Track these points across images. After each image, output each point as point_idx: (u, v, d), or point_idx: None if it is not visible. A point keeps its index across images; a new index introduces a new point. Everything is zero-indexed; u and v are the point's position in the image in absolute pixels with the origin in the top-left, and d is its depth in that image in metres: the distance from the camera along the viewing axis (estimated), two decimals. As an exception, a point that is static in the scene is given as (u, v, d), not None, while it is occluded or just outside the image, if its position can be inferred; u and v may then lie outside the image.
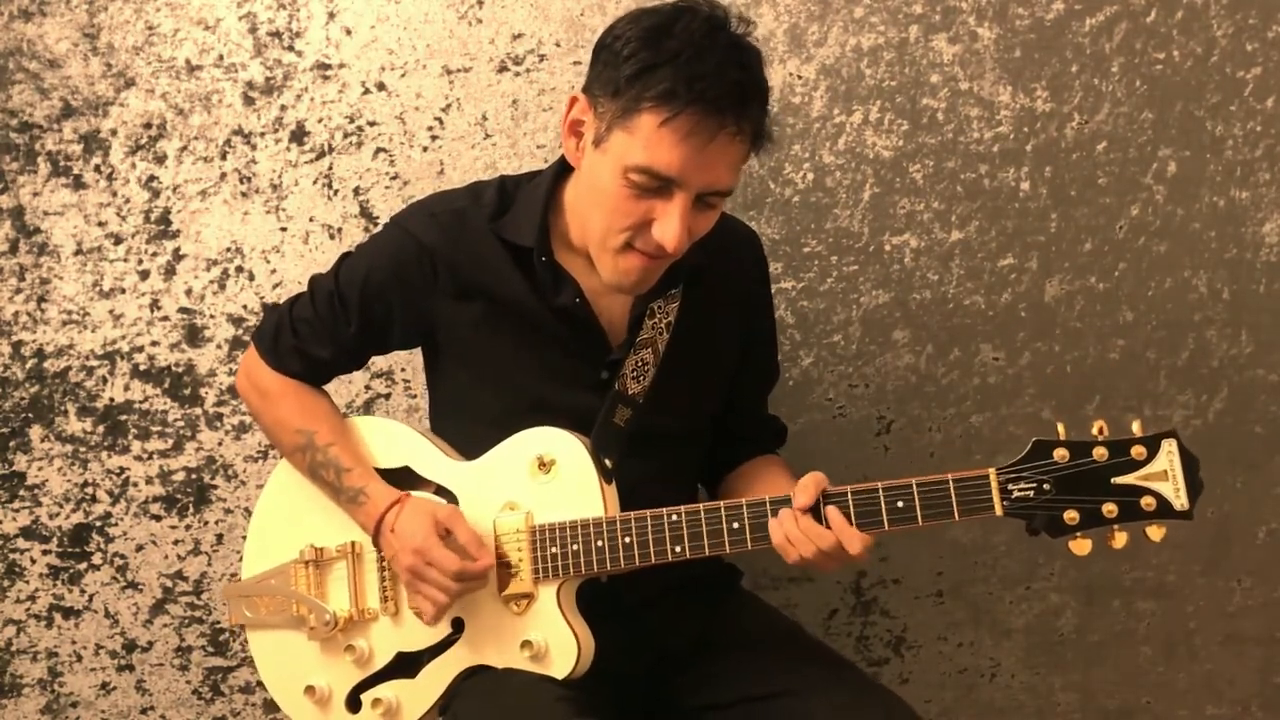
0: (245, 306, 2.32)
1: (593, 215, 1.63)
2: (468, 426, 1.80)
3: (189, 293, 2.33)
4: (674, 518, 1.62)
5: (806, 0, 2.26)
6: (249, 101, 2.31)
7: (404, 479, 1.77)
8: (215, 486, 2.34)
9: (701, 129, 1.53)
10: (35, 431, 2.34)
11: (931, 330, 2.29)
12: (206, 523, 2.35)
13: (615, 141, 1.56)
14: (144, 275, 2.33)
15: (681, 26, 1.54)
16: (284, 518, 1.86)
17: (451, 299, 1.77)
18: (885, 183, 2.27)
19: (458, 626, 1.72)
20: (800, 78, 2.26)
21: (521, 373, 1.77)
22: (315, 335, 1.83)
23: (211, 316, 2.32)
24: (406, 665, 1.75)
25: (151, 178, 2.32)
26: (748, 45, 1.59)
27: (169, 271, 2.32)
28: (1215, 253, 2.26)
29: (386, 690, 1.75)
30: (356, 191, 2.31)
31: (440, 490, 1.76)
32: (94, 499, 2.34)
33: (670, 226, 1.57)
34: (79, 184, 2.32)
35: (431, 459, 1.78)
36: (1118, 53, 2.24)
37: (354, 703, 1.77)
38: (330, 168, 2.30)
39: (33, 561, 2.35)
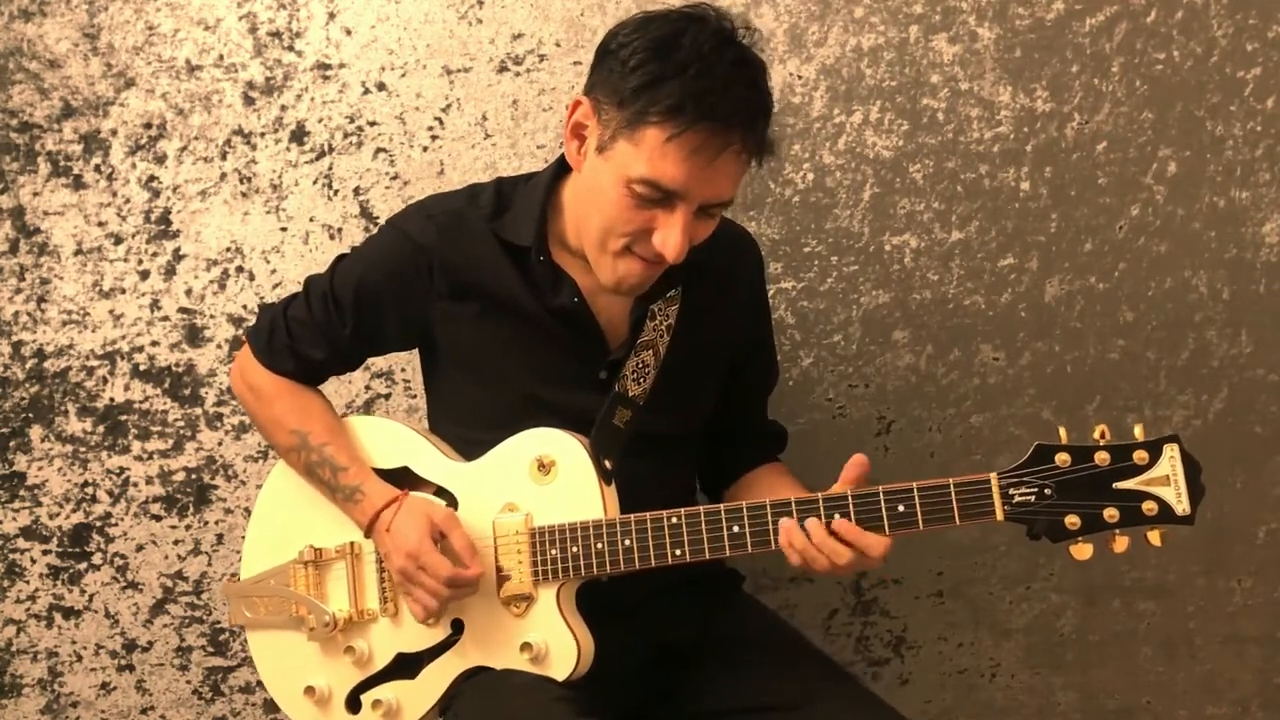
0: (245, 306, 2.31)
1: (592, 218, 1.63)
2: (465, 427, 1.80)
3: (189, 293, 2.32)
4: (674, 520, 1.62)
5: (806, 0, 2.26)
6: (249, 101, 2.31)
7: (403, 479, 1.77)
8: (215, 486, 2.34)
9: (708, 146, 1.53)
10: (35, 431, 2.34)
11: (931, 330, 2.29)
12: (206, 523, 2.35)
13: (619, 150, 1.56)
14: (144, 275, 2.33)
15: (690, 38, 1.53)
16: (283, 518, 1.86)
17: (448, 300, 1.76)
18: (885, 183, 2.27)
19: (457, 628, 1.72)
20: (800, 78, 2.26)
21: (518, 372, 1.77)
22: (310, 336, 1.83)
23: (211, 316, 2.32)
24: (406, 666, 1.75)
25: (151, 178, 2.32)
26: (754, 59, 1.59)
27: (169, 271, 2.32)
28: (1215, 253, 2.26)
29: (386, 691, 1.75)
30: (356, 191, 2.30)
31: (440, 491, 1.76)
32: (94, 499, 2.34)
33: (672, 237, 1.58)
34: (79, 184, 2.32)
35: (431, 459, 1.78)
36: (1118, 53, 2.24)
37: (354, 703, 1.77)
38: (330, 168, 2.30)
39: (33, 561, 2.35)
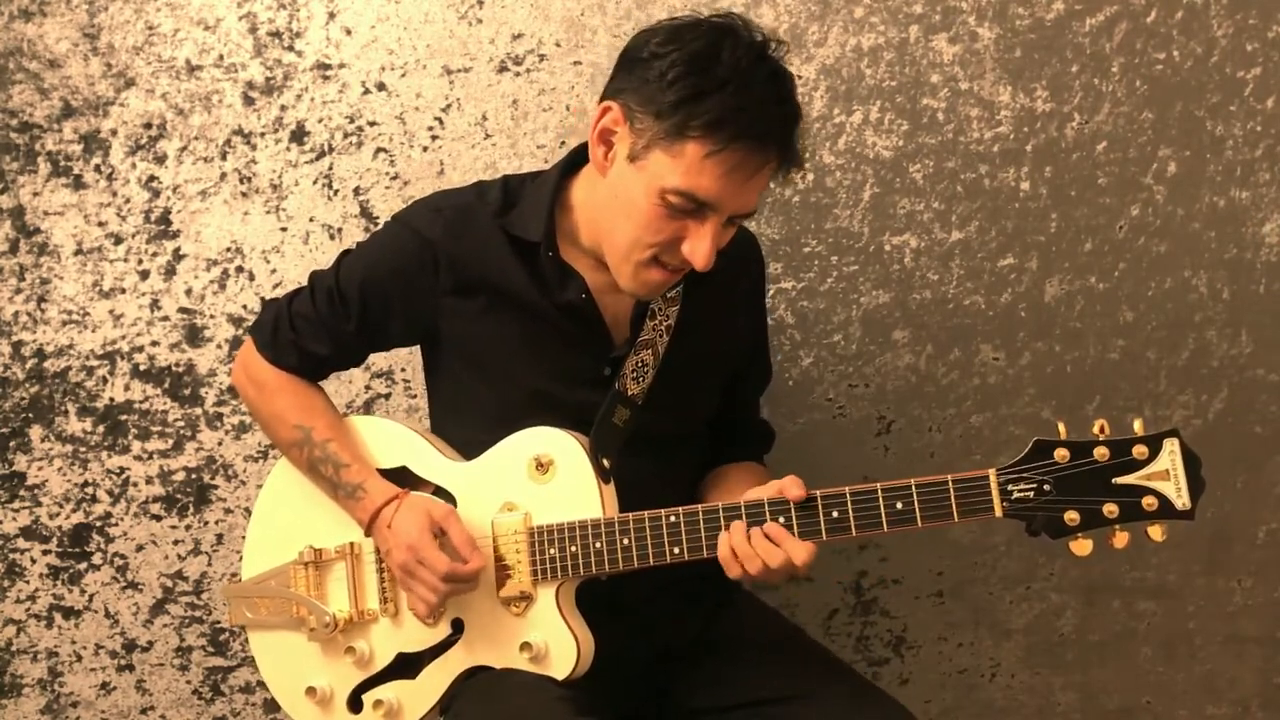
0: (245, 306, 2.32)
1: (619, 226, 1.63)
2: (469, 424, 1.79)
3: (189, 293, 2.33)
4: (672, 519, 1.62)
5: (806, 0, 2.26)
6: (249, 101, 2.31)
7: (402, 479, 1.77)
8: (215, 486, 2.34)
9: (748, 163, 1.55)
10: (35, 431, 2.34)
11: (931, 330, 2.29)
12: (206, 523, 2.35)
13: (654, 161, 1.57)
14: (144, 275, 2.33)
15: (728, 53, 1.54)
16: (283, 518, 1.86)
17: (453, 295, 1.76)
18: (885, 183, 2.27)
19: (457, 627, 1.72)
20: (800, 78, 2.26)
21: (523, 368, 1.77)
22: (314, 331, 1.83)
23: (211, 316, 2.32)
24: (407, 666, 1.75)
25: (151, 178, 2.32)
26: (786, 73, 1.61)
27: (169, 271, 2.33)
28: (1215, 253, 2.26)
29: (387, 691, 1.75)
30: (356, 191, 2.31)
31: (438, 491, 1.76)
32: (94, 499, 2.34)
33: (702, 247, 1.59)
34: (79, 184, 2.32)
35: (429, 459, 1.78)
36: (1118, 53, 2.24)
37: (355, 704, 1.77)
38: (330, 168, 2.30)
39: (33, 561, 2.35)
